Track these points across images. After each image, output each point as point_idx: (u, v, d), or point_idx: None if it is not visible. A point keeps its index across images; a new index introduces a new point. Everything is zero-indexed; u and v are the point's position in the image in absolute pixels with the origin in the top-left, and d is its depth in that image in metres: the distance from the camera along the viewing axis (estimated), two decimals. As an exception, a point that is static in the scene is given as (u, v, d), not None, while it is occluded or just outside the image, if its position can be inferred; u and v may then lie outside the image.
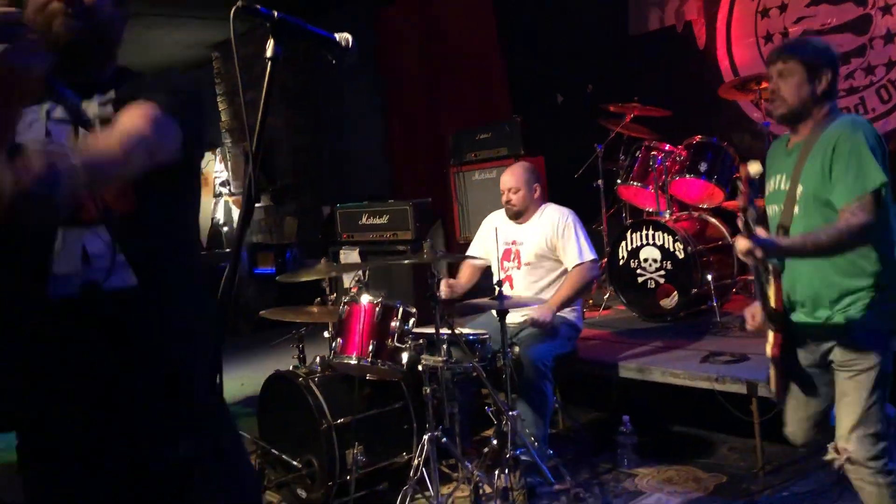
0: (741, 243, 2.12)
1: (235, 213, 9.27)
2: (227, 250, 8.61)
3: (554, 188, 4.71)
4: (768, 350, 2.43)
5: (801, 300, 2.39)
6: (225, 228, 9.63)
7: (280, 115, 8.70)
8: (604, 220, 5.19)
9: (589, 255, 3.67)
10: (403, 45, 7.54)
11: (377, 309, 3.26)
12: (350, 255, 5.55)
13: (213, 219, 9.69)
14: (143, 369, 1.52)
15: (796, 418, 2.52)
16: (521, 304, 3.47)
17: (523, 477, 3.18)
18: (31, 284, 1.46)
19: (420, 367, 3.21)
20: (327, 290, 3.93)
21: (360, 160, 8.44)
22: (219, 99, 9.61)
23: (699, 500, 3.16)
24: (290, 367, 3.55)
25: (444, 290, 3.67)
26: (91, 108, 1.53)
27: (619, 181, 5.02)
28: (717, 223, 4.69)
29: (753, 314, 2.48)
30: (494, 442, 3.32)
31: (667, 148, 4.77)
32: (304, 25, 1.40)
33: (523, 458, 3.22)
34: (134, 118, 1.42)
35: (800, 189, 2.32)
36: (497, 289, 3.22)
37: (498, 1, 6.83)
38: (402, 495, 3.09)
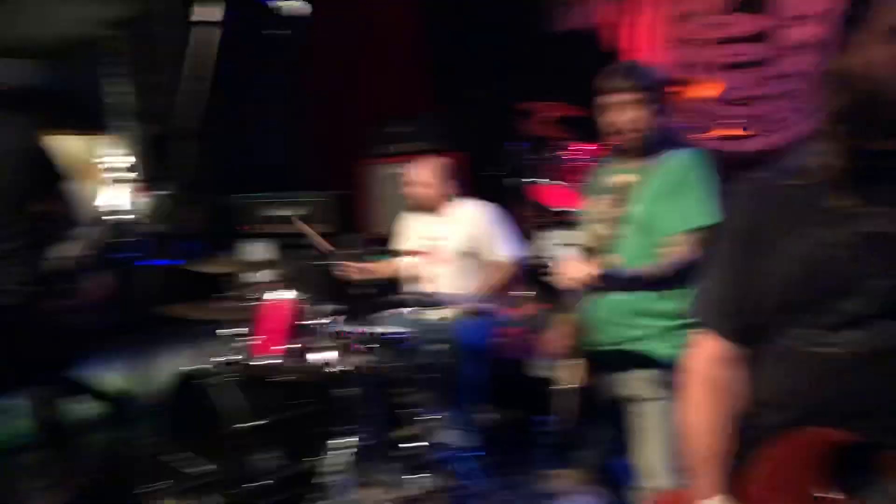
0: (577, 268, 1.96)
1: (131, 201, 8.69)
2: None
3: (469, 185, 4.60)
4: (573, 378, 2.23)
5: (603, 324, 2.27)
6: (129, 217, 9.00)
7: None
8: (519, 218, 5.12)
9: (517, 251, 3.63)
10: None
11: (299, 305, 3.07)
12: (255, 250, 5.26)
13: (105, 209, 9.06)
14: None
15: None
16: (451, 302, 3.36)
17: (450, 479, 3.09)
18: None
19: (340, 368, 3.06)
20: (232, 284, 3.68)
21: (255, 149, 7.96)
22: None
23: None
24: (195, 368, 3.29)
25: (354, 272, 3.52)
26: None
27: (536, 179, 4.96)
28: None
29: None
30: (416, 444, 3.20)
31: (589, 147, 4.74)
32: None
33: (447, 460, 3.13)
34: None
35: (636, 210, 2.16)
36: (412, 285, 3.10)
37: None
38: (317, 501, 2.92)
